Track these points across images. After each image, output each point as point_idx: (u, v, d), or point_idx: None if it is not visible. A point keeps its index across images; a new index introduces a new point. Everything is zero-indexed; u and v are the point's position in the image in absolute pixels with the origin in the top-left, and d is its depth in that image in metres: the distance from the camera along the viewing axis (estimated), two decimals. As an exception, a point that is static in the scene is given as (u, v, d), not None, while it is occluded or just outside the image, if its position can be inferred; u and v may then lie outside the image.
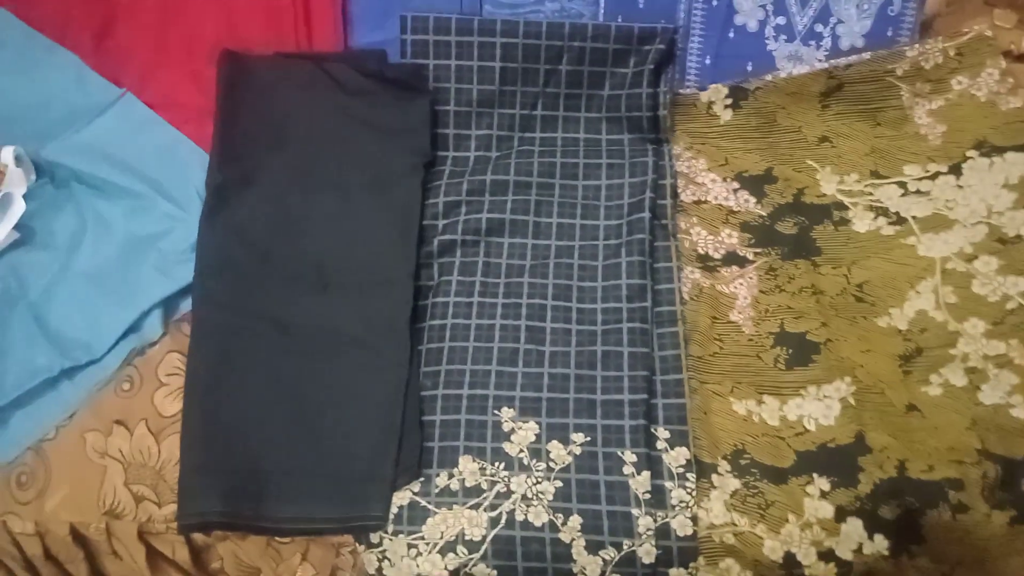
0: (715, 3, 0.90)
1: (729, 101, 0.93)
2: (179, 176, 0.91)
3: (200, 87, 0.93)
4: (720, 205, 0.90)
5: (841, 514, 0.75)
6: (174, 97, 0.93)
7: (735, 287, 0.85)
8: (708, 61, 0.93)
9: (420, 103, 0.92)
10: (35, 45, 0.93)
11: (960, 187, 0.86)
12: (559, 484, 0.77)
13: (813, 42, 0.90)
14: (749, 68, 0.92)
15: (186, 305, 0.86)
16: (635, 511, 0.75)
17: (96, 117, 0.92)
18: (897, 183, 0.88)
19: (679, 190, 0.91)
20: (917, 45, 0.89)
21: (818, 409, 0.79)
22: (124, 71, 0.94)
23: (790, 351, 0.82)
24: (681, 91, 0.94)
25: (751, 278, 0.86)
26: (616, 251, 0.86)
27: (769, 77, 0.91)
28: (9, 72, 0.93)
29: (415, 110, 0.92)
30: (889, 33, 0.89)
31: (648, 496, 0.76)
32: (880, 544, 0.74)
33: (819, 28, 0.90)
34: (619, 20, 0.91)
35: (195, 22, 0.94)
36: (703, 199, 0.91)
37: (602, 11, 0.92)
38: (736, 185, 0.90)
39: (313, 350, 0.83)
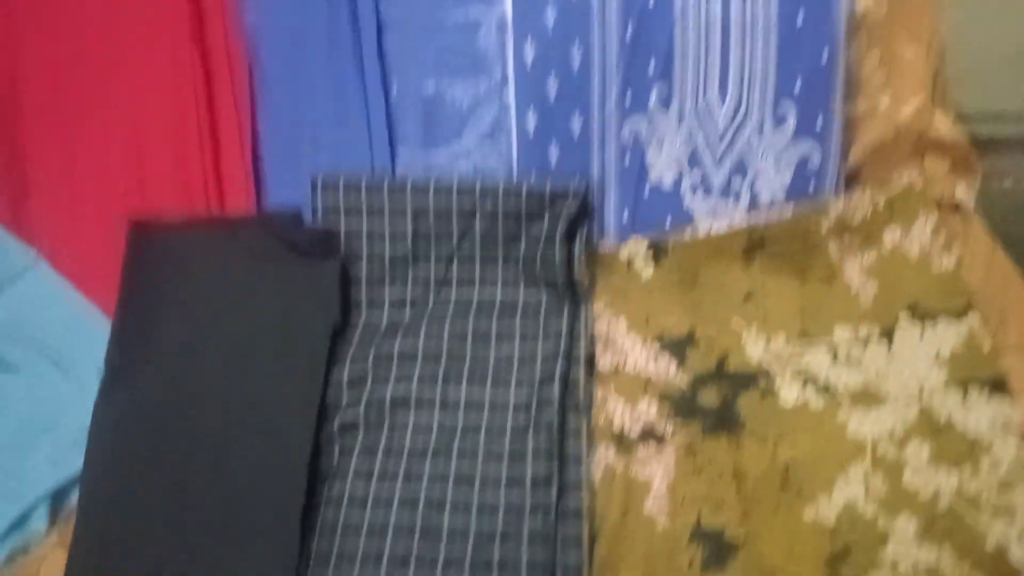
0: (628, 160, 0.83)
1: (650, 256, 0.84)
2: (83, 352, 0.83)
3: (110, 259, 0.85)
4: (639, 373, 0.79)
5: None
6: (87, 265, 0.88)
7: (651, 470, 0.73)
8: (626, 216, 0.84)
9: (329, 268, 0.84)
10: None
11: (891, 357, 0.75)
12: None
13: (731, 197, 0.82)
14: (668, 223, 0.83)
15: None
16: None
17: (7, 287, 0.87)
18: (827, 348, 0.77)
19: (597, 355, 0.81)
20: (842, 199, 0.80)
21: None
22: (40, 238, 0.88)
23: (706, 551, 0.68)
24: (601, 247, 0.85)
25: (668, 460, 0.73)
26: (523, 433, 0.76)
27: (688, 233, 0.83)
28: None
29: (324, 275, 0.84)
30: (811, 187, 0.80)
31: None
32: None
33: (737, 183, 0.81)
34: (532, 177, 0.84)
35: (108, 190, 0.88)
36: (622, 365, 0.79)
37: (516, 168, 0.85)
38: (656, 349, 0.80)
39: (202, 541, 0.76)
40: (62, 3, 0.84)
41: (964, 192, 0.81)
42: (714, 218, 0.83)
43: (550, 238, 0.84)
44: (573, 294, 0.85)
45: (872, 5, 0.79)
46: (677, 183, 0.83)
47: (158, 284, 0.86)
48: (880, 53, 0.79)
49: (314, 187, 0.86)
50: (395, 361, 0.82)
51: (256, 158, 0.88)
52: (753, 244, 0.83)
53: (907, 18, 0.79)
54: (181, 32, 0.83)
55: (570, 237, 0.84)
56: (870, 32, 0.79)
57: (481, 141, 0.85)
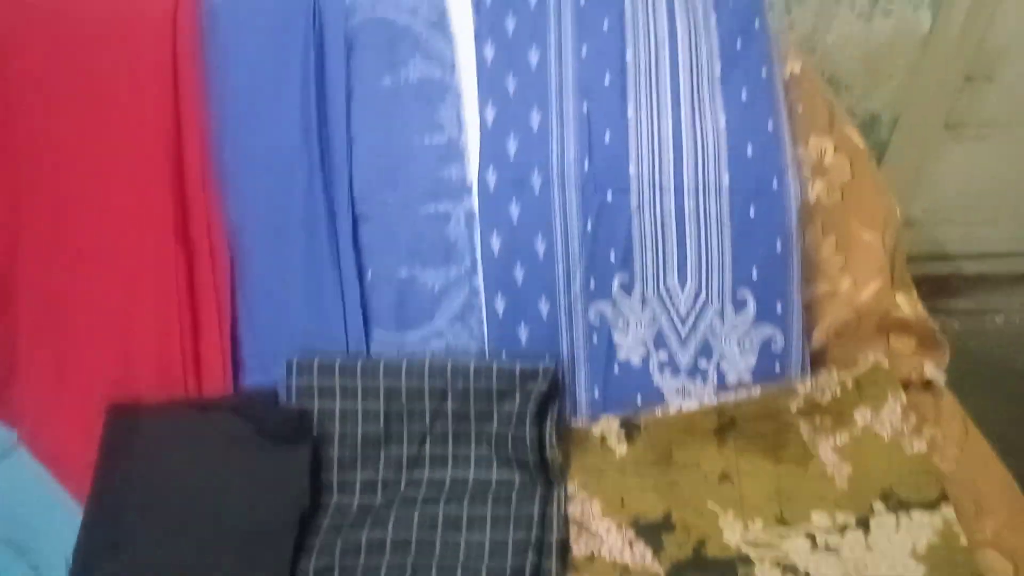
0: (595, 340, 0.83)
1: (622, 434, 0.83)
2: (52, 542, 0.80)
3: (91, 441, 0.86)
4: (615, 561, 0.76)
5: None
6: (65, 451, 0.87)
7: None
8: (597, 394, 0.84)
9: (300, 452, 0.83)
10: None
11: (869, 548, 0.72)
12: None
13: (699, 377, 0.81)
14: (639, 401, 0.83)
15: None
16: None
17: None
18: (805, 534, 0.74)
19: (572, 539, 0.78)
20: (809, 380, 0.79)
21: None
22: (21, 421, 0.88)
23: None
24: (573, 424, 0.85)
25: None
26: (492, 628, 0.74)
27: (659, 412, 0.82)
28: None
29: (295, 462, 0.83)
30: (776, 369, 0.80)
31: None
32: None
33: (703, 364, 0.81)
34: (503, 355, 0.85)
35: (90, 374, 0.88)
36: (597, 552, 0.77)
37: (487, 347, 0.85)
38: (632, 534, 0.77)
39: None
40: (53, 200, 0.86)
41: (933, 370, 0.81)
42: (684, 397, 0.82)
43: (521, 417, 0.83)
44: (546, 474, 0.84)
45: (825, 193, 0.82)
46: (645, 362, 0.83)
47: (131, 471, 0.86)
48: (836, 238, 0.82)
49: (289, 369, 0.87)
50: (363, 552, 0.80)
51: (234, 342, 0.89)
52: (724, 424, 0.82)
53: (861, 204, 0.82)
54: (165, 226, 0.86)
55: (541, 416, 0.84)
56: (826, 218, 0.82)
57: (453, 322, 0.87)
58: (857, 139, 0.85)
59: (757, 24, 0.85)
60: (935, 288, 1.54)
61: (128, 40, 0.86)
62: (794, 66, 0.86)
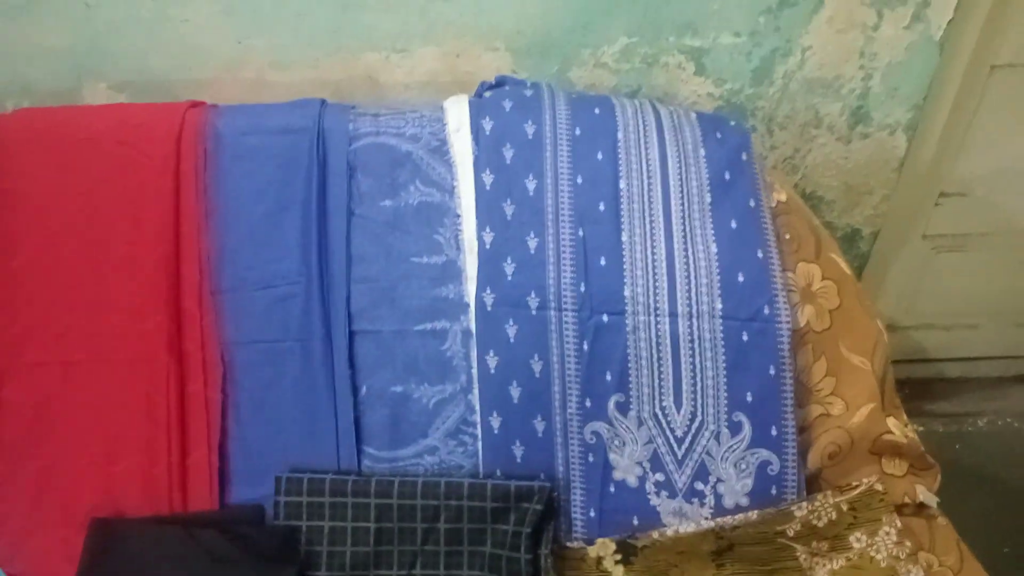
0: (591, 459, 0.83)
1: (619, 557, 0.81)
2: None
3: (70, 555, 0.84)
4: None
5: None
6: (43, 566, 0.85)
7: None
8: (592, 514, 0.83)
9: (285, 573, 0.82)
10: None
11: None
12: None
13: (696, 500, 0.81)
14: (635, 522, 0.82)
15: None
16: None
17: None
18: None
19: None
20: (806, 503, 0.79)
21: None
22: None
23: None
24: (568, 544, 0.83)
25: None
26: None
27: (656, 534, 0.81)
28: None
29: (287, 584, 0.84)
30: (773, 491, 0.80)
31: None
32: None
33: (700, 486, 0.81)
34: (497, 473, 0.84)
35: (72, 489, 0.86)
36: None
37: (482, 464, 0.84)
38: None
39: None
40: (48, 312, 0.86)
41: (926, 494, 0.82)
42: (681, 519, 0.82)
43: (516, 538, 0.82)
44: (542, 601, 0.83)
45: (815, 318, 0.84)
46: (642, 482, 0.83)
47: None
48: (827, 362, 0.83)
49: (278, 486, 0.86)
50: None
51: (223, 456, 0.87)
52: (722, 548, 0.81)
53: (850, 329, 0.84)
54: (159, 340, 0.86)
55: (536, 537, 0.83)
56: (816, 342, 0.83)
57: (446, 439, 0.86)
58: (843, 265, 0.88)
59: (744, 157, 0.89)
60: (918, 391, 1.55)
61: (132, 162, 0.87)
62: (780, 195, 0.90)
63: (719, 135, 0.89)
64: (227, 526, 0.86)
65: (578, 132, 0.88)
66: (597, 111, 0.90)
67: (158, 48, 1.04)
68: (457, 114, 0.90)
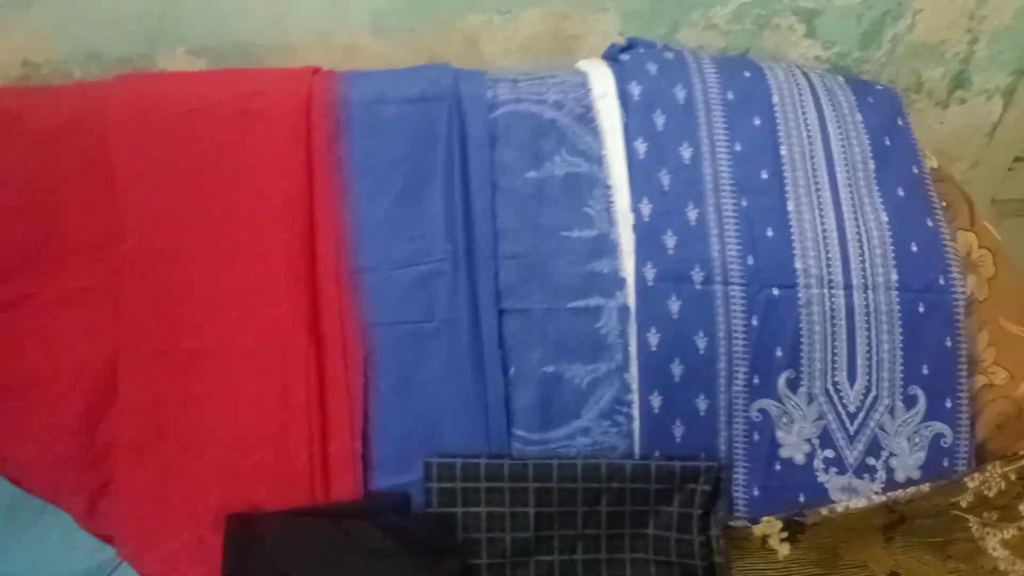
0: (756, 437, 0.80)
1: (785, 535, 0.79)
2: None
3: (204, 555, 0.79)
4: None
5: None
6: (175, 567, 0.79)
7: None
8: (756, 492, 0.80)
9: (448, 566, 0.78)
10: (24, 507, 0.80)
11: None
12: None
13: (867, 475, 0.79)
14: (801, 499, 0.80)
15: None
16: None
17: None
18: None
19: None
20: (976, 474, 0.78)
21: None
22: (120, 537, 0.80)
23: None
24: (731, 523, 0.81)
25: None
26: None
27: (825, 511, 0.79)
28: None
29: (444, 573, 0.78)
30: (945, 463, 0.79)
31: None
32: None
33: (871, 461, 0.79)
34: (656, 454, 0.81)
35: (200, 486, 0.81)
36: None
37: (637, 445, 0.81)
38: None
39: None
40: (161, 301, 0.80)
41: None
42: (850, 495, 0.80)
43: (685, 519, 0.79)
44: (712, 579, 0.81)
45: (976, 288, 0.83)
46: (809, 459, 0.80)
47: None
48: (989, 334, 0.82)
49: (428, 471, 0.81)
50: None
51: (364, 444, 0.82)
52: (893, 522, 0.80)
53: (1006, 298, 0.82)
54: (297, 323, 0.80)
55: (705, 518, 0.80)
56: (978, 313, 0.83)
57: (600, 419, 0.82)
58: (995, 232, 0.87)
59: (900, 122, 0.86)
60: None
61: (256, 134, 0.80)
62: (931, 161, 0.88)
63: (871, 99, 0.86)
64: (376, 516, 0.83)
65: (730, 96, 0.84)
66: (747, 74, 0.86)
67: (241, 10, 0.95)
68: (601, 79, 0.85)
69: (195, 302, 0.81)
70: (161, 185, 0.80)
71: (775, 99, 0.84)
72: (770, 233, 0.80)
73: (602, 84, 0.84)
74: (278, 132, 0.81)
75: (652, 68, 0.85)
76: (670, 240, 0.80)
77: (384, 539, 0.80)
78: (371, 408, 0.82)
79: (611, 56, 0.91)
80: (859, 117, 0.84)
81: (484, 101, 0.83)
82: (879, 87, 0.89)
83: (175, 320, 0.81)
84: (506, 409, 0.82)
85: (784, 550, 0.81)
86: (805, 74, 0.88)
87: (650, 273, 0.80)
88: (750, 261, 0.80)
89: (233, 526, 0.79)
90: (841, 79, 0.89)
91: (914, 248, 0.79)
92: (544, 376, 0.82)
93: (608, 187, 0.83)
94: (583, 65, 0.88)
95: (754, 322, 0.80)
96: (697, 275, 0.80)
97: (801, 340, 0.79)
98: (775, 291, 0.80)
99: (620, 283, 0.82)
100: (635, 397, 0.82)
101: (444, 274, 0.81)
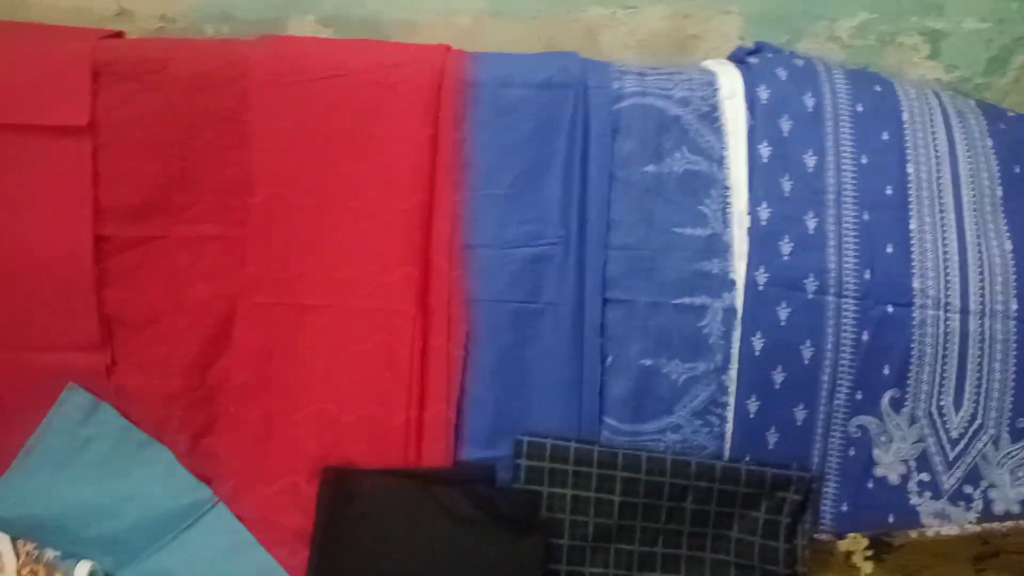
0: (852, 452, 0.80)
1: (870, 553, 0.79)
2: None
3: (298, 504, 0.82)
4: None
5: None
6: (269, 513, 0.83)
7: None
8: (844, 508, 0.80)
9: (533, 542, 0.79)
10: (130, 439, 0.84)
11: None
12: None
13: (962, 503, 0.78)
14: (891, 520, 0.80)
15: None
16: None
17: (183, 529, 0.81)
18: None
19: None
20: None
21: None
22: (218, 478, 0.84)
23: None
24: (816, 536, 0.81)
25: None
26: None
27: (915, 534, 0.79)
28: (99, 465, 0.83)
29: (527, 549, 0.79)
30: None
31: None
32: None
33: (968, 489, 0.79)
34: (747, 459, 0.81)
35: (299, 435, 0.84)
36: None
37: (728, 446, 0.82)
38: None
39: None
40: (282, 255, 0.83)
41: None
42: (943, 521, 0.79)
43: (772, 527, 0.79)
44: (793, 590, 0.81)
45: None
46: (904, 480, 0.80)
47: (353, 541, 0.80)
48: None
49: (518, 449, 0.83)
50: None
51: (458, 415, 0.83)
52: (986, 554, 0.79)
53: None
54: (408, 291, 0.82)
55: (792, 528, 0.80)
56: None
57: (692, 418, 0.82)
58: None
59: (1032, 150, 0.86)
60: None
61: (389, 105, 0.82)
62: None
63: (1002, 125, 0.84)
64: (463, 485, 0.85)
65: (860, 109, 0.83)
66: (877, 88, 0.85)
67: (375, -16, 0.99)
68: (729, 79, 0.85)
69: (313, 260, 0.84)
70: (294, 144, 0.82)
71: (905, 116, 0.83)
72: (890, 249, 0.80)
73: (730, 85, 0.84)
74: (410, 105, 0.82)
75: (782, 73, 0.85)
76: (786, 246, 0.80)
77: (468, 507, 0.82)
78: (468, 381, 0.84)
79: (737, 58, 0.91)
80: (989, 142, 0.83)
81: (610, 92, 0.84)
82: (1011, 114, 0.87)
83: (292, 276, 0.84)
84: (600, 397, 0.84)
85: (867, 568, 0.80)
86: (936, 94, 0.87)
87: (762, 277, 0.80)
88: (867, 276, 0.79)
89: (329, 478, 0.82)
90: (972, 102, 0.87)
91: (1038, 279, 0.78)
92: (641, 369, 0.83)
93: (726, 188, 0.83)
94: (710, 64, 0.89)
95: (864, 337, 0.79)
96: (810, 284, 0.80)
97: (911, 360, 0.78)
98: (889, 308, 0.79)
99: (729, 284, 0.82)
100: (731, 400, 0.82)
101: (554, 258, 0.83)
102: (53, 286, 0.81)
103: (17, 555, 0.77)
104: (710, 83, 0.85)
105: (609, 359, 0.83)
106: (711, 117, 0.84)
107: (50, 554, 0.79)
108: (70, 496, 0.82)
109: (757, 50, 0.91)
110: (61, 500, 0.82)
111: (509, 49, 0.95)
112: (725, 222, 0.83)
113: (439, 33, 1.01)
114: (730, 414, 0.82)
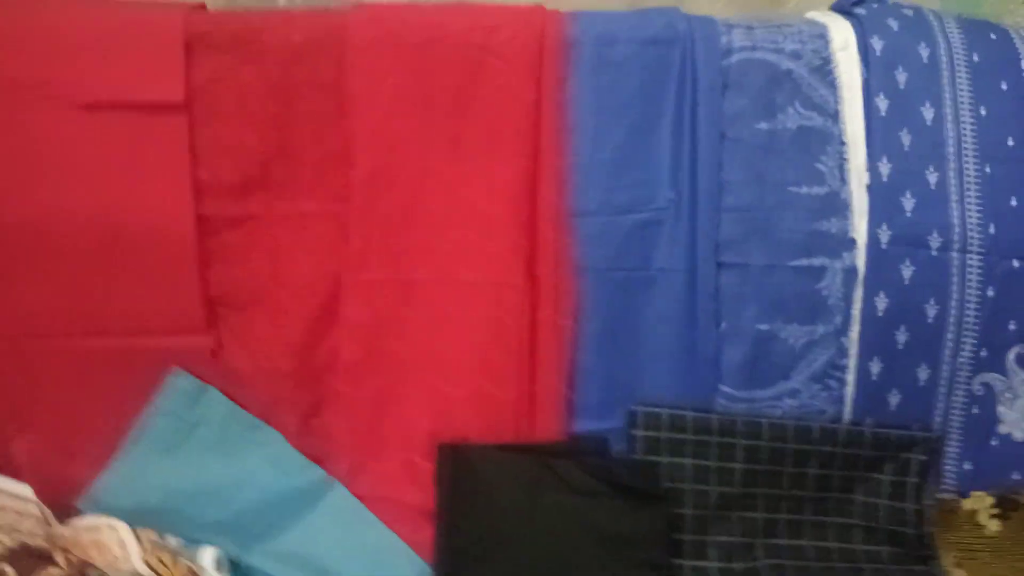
0: (975, 410, 0.79)
1: (996, 511, 0.79)
2: None
3: (415, 480, 0.82)
4: None
5: None
6: (386, 491, 0.82)
7: None
8: (967, 466, 0.80)
9: (656, 511, 0.79)
10: (238, 423, 0.83)
11: None
12: None
13: (1095, 461, 0.79)
14: (1015, 477, 0.80)
15: None
16: None
17: (305, 512, 0.80)
18: None
19: None
20: None
21: None
22: (331, 457, 0.83)
23: None
24: (938, 495, 0.80)
25: None
26: None
27: (1043, 490, 0.79)
28: (208, 449, 0.82)
29: (650, 518, 0.79)
30: None
31: None
32: None
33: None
34: (867, 421, 0.80)
35: (411, 412, 0.83)
36: None
37: (847, 409, 0.81)
38: None
39: None
40: (388, 230, 0.81)
41: None
42: (1071, 476, 0.80)
43: (899, 488, 0.79)
44: (921, 550, 0.80)
45: None
46: (1030, 437, 0.81)
47: (476, 515, 0.80)
48: None
49: (633, 419, 0.82)
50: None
51: (568, 387, 0.83)
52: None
53: None
54: (515, 262, 0.80)
55: (919, 489, 0.80)
56: None
57: (810, 382, 0.81)
58: None
59: None
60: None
61: (492, 69, 0.80)
62: None
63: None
64: (579, 458, 0.84)
65: (976, 59, 0.81)
66: (993, 36, 0.82)
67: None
68: (840, 31, 0.82)
69: (418, 233, 0.82)
70: (395, 113, 0.80)
71: (1023, 63, 0.81)
72: (1014, 203, 0.78)
73: (842, 37, 0.82)
74: (512, 69, 0.80)
75: (893, 24, 0.82)
76: (908, 202, 0.79)
77: (590, 480, 0.81)
78: (577, 353, 0.83)
79: (842, 9, 0.88)
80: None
81: (718, 46, 0.81)
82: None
83: (398, 250, 0.82)
84: (715, 364, 0.83)
85: (993, 526, 0.80)
86: (1049, 41, 0.84)
87: (884, 236, 0.79)
88: (991, 230, 0.78)
89: (446, 456, 0.82)
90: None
91: None
92: (758, 334, 0.82)
93: (843, 143, 0.81)
94: (817, 16, 0.86)
95: (990, 293, 0.78)
96: (934, 241, 0.78)
97: (1038, 317, 0.78)
98: (1015, 263, 0.78)
99: (848, 244, 0.80)
100: (851, 362, 0.81)
101: (665, 223, 0.81)
102: (156, 269, 0.79)
103: (140, 543, 0.77)
104: (821, 35, 0.82)
105: (723, 325, 0.82)
106: (824, 70, 0.81)
107: (172, 541, 0.78)
108: (181, 482, 0.81)
109: (861, 1, 0.89)
110: (172, 486, 0.81)
111: (594, 8, 0.92)
112: (843, 179, 0.80)
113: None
114: (850, 377, 0.81)
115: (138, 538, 0.77)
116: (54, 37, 0.79)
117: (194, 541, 0.79)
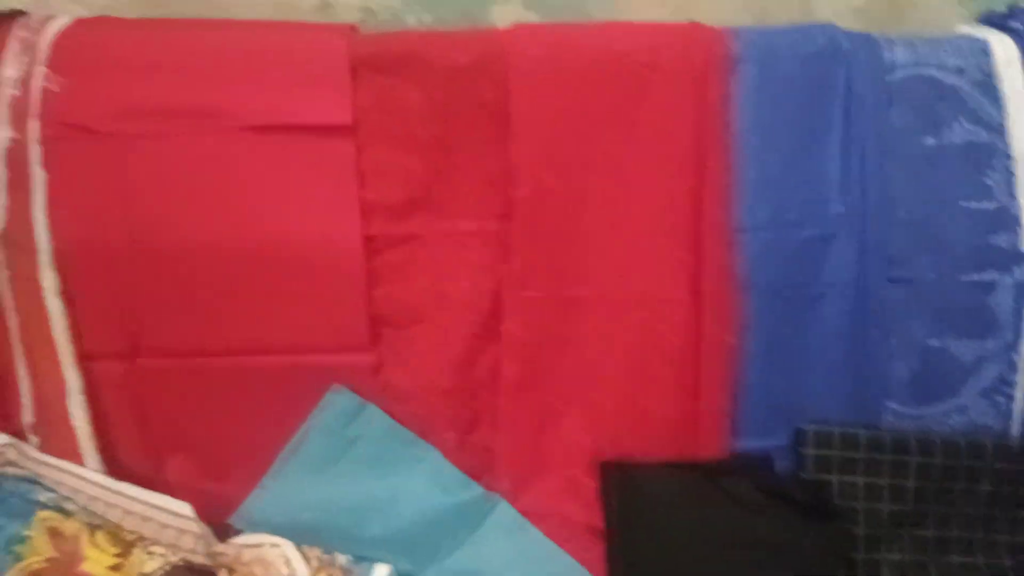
0: None
1: None
2: None
3: (579, 497, 0.82)
4: None
5: None
6: (551, 507, 0.82)
7: None
8: None
9: (839, 529, 0.79)
10: (396, 439, 0.83)
11: None
12: None
13: None
14: None
15: None
16: None
17: (473, 529, 0.80)
18: None
19: None
20: None
21: None
22: (491, 474, 0.83)
23: None
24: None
25: None
26: None
27: None
28: (366, 465, 0.83)
29: (826, 535, 0.79)
30: None
31: None
32: None
33: None
34: (1039, 439, 0.80)
35: (572, 428, 0.83)
36: None
37: (1017, 424, 0.81)
38: None
39: None
40: (549, 245, 0.81)
41: None
42: None
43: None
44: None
45: None
46: None
47: (646, 534, 0.79)
48: None
49: (802, 438, 0.82)
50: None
51: (733, 403, 0.83)
52: None
53: None
54: (680, 278, 0.81)
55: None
56: None
57: (979, 398, 0.82)
58: None
59: None
60: None
61: (655, 87, 0.80)
62: None
63: None
64: (747, 476, 0.83)
65: None
66: None
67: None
68: (1001, 45, 0.82)
69: (581, 251, 0.82)
70: (558, 132, 0.81)
71: None
72: None
73: (1004, 51, 0.82)
74: (676, 86, 0.80)
75: (1054, 37, 0.83)
76: (1082, 217, 0.79)
77: (760, 497, 0.81)
78: (741, 369, 0.83)
79: (992, 23, 0.89)
80: None
81: (882, 62, 0.82)
82: None
83: (560, 267, 0.82)
84: (882, 380, 0.83)
85: None
86: None
87: (1059, 249, 0.79)
88: None
89: (610, 473, 0.82)
90: None
91: None
92: (928, 349, 0.82)
93: (1009, 158, 0.81)
94: (971, 31, 0.87)
95: None
96: (1108, 254, 0.79)
97: None
98: None
99: (1019, 258, 0.80)
100: (1020, 377, 0.81)
101: (834, 239, 0.81)
102: (323, 288, 0.80)
103: (307, 560, 0.77)
104: (983, 50, 0.82)
105: (892, 341, 0.82)
106: (988, 85, 0.82)
107: (341, 559, 0.78)
108: (337, 498, 0.81)
109: (1011, 15, 0.89)
110: (327, 503, 0.81)
111: (721, 22, 0.93)
112: (1011, 194, 0.81)
113: (649, 11, 0.99)
114: (1019, 393, 0.81)
115: (304, 556, 0.78)
116: (223, 62, 0.81)
117: (360, 558, 0.80)
